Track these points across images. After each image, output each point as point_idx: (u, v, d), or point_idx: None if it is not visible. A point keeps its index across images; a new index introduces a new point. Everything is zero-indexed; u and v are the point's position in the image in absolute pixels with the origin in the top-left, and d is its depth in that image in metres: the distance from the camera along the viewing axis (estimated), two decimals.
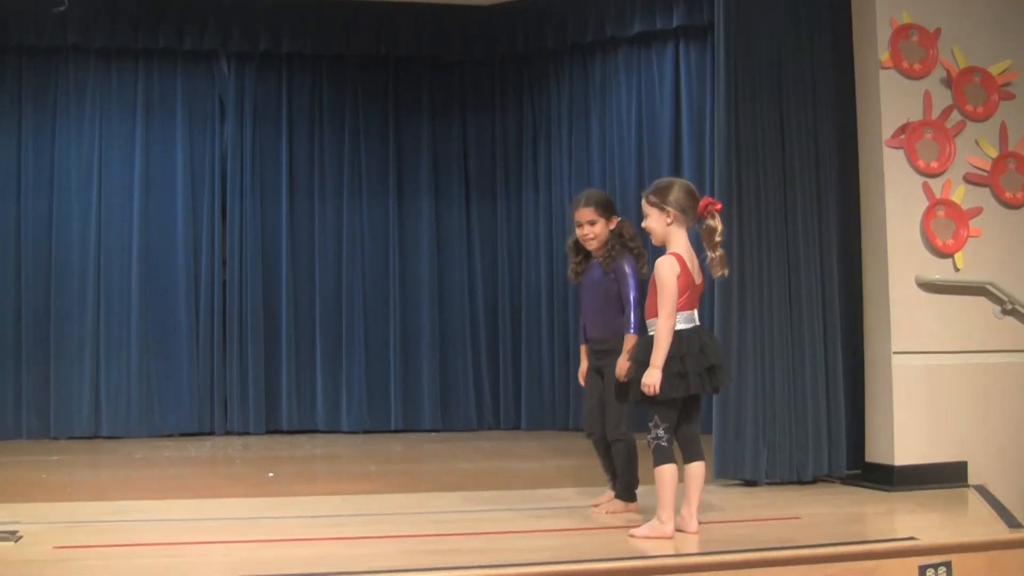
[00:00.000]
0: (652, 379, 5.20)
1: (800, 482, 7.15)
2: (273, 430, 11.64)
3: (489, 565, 4.46)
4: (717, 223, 5.37)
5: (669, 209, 5.40)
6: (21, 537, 5.17)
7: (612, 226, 6.21)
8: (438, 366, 12.06)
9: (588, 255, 6.31)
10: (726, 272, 5.48)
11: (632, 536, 5.25)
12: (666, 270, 5.30)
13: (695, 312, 5.41)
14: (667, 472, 5.30)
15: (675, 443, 5.40)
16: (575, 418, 11.39)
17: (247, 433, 11.39)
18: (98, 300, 11.48)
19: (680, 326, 5.30)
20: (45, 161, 11.55)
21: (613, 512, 6.06)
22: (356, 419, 11.85)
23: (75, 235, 11.54)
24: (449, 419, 12.05)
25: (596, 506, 6.21)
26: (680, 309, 5.30)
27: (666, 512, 5.28)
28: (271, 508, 6.58)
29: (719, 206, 5.43)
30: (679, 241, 5.43)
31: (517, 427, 12.00)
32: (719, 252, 5.39)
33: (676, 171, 11.10)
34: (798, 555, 4.80)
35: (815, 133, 7.47)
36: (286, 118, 12.03)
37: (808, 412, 7.23)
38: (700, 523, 5.42)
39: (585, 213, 6.19)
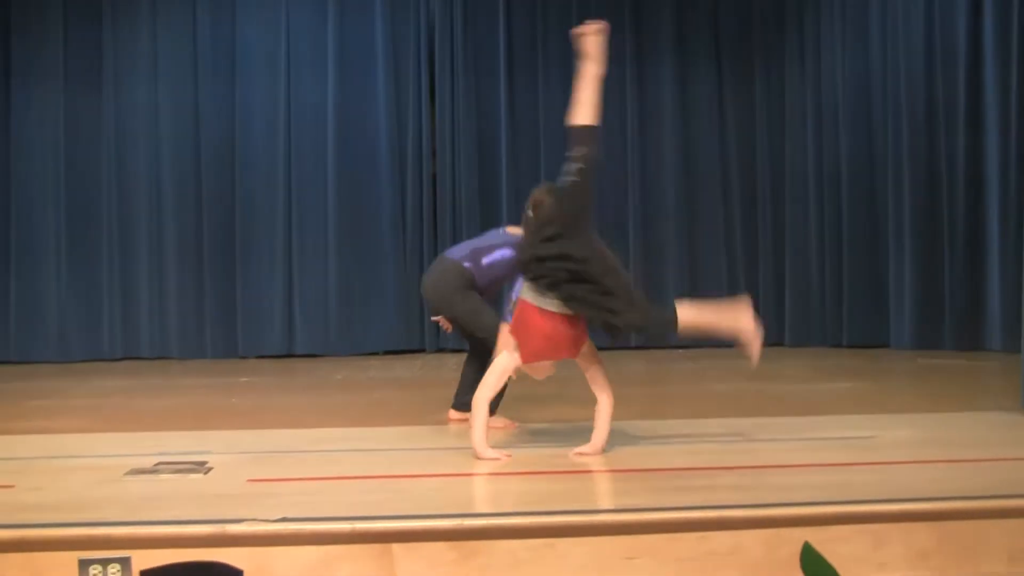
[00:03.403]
0: None
1: None
2: None
3: (749, 505, 4.38)
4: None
5: None
6: (211, 469, 5.30)
7: None
8: (687, 272, 11.99)
9: None
10: None
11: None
12: None
13: None
14: None
15: None
16: (850, 333, 11.19)
17: (462, 351, 11.48)
18: (289, 201, 11.71)
19: None
20: (224, 42, 11.77)
21: None
22: (593, 334, 11.83)
23: (260, 126, 11.77)
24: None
25: None
26: None
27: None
28: (491, 437, 6.61)
29: None
30: None
31: (780, 343, 11.85)
32: None
33: (975, 41, 10.65)
34: None
35: None
36: None
37: None
38: None
39: None
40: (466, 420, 6.81)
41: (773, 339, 11.93)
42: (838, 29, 11.71)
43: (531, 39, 12.07)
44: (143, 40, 11.87)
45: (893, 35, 11.25)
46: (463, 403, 6.88)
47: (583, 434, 6.36)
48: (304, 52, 11.88)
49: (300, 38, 11.90)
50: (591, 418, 6.69)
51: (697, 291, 12.05)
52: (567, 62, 12.08)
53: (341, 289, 11.63)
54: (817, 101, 11.80)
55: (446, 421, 6.88)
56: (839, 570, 2.83)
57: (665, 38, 12.07)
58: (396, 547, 4.12)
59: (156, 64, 11.85)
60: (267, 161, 11.82)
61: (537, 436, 6.50)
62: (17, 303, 11.77)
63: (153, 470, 5.25)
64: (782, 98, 12.11)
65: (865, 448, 5.81)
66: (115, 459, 5.61)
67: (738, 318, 5.71)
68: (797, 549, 4.14)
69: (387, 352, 11.38)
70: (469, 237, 11.77)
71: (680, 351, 11.65)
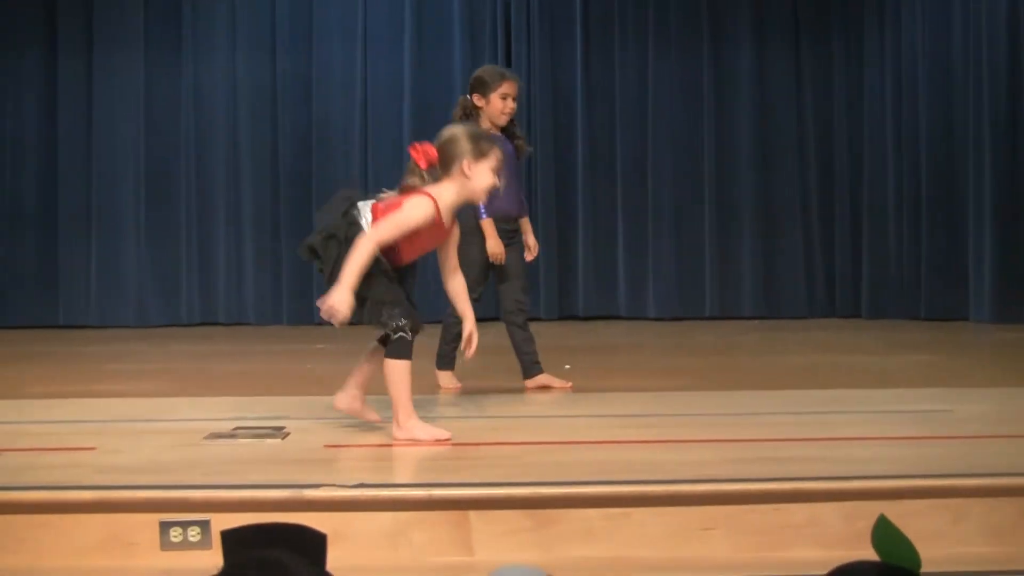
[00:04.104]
0: None
1: None
2: (567, 315, 11.77)
3: (826, 477, 4.36)
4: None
5: None
6: (288, 434, 5.33)
7: None
8: (761, 242, 11.93)
9: None
10: None
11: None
12: None
13: None
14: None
15: None
16: (928, 305, 11.11)
17: (536, 319, 11.48)
18: (365, 170, 11.77)
19: None
20: (302, 10, 11.81)
21: None
22: (664, 304, 11.85)
23: (337, 97, 11.82)
24: (774, 305, 11.94)
25: None
26: None
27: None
28: (566, 405, 6.62)
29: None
30: None
31: (856, 315, 11.79)
32: None
33: None
34: None
35: None
36: None
37: None
38: None
39: (517, 88, 6.94)
40: (541, 386, 6.96)
41: (850, 310, 11.90)
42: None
43: (607, 11, 12.02)
44: (222, 8, 11.93)
45: (975, 3, 11.11)
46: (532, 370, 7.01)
47: (659, 402, 6.36)
48: (381, 24, 11.90)
49: (377, 9, 11.91)
50: (662, 388, 6.71)
51: (773, 263, 12.01)
52: (643, 34, 12.08)
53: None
54: (896, 72, 11.68)
55: (520, 389, 6.89)
56: (917, 545, 2.80)
57: (742, 10, 11.99)
58: (472, 514, 4.13)
59: (234, 33, 11.90)
60: (343, 131, 11.87)
61: (607, 403, 6.49)
62: (98, 268, 11.89)
63: (231, 434, 5.29)
64: (860, 68, 12.00)
65: (943, 421, 5.76)
66: (194, 423, 5.66)
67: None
68: (874, 522, 4.15)
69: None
70: (544, 208, 11.81)
71: (755, 322, 11.61)
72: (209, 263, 11.95)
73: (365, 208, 5.25)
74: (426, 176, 5.26)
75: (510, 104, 6.86)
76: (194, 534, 4.01)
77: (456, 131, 5.41)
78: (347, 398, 5.48)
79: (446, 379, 7.04)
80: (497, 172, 5.33)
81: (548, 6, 11.87)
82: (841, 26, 12.01)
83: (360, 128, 11.76)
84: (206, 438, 5.23)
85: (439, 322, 6.63)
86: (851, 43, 12.00)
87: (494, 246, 6.84)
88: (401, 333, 5.19)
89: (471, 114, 6.86)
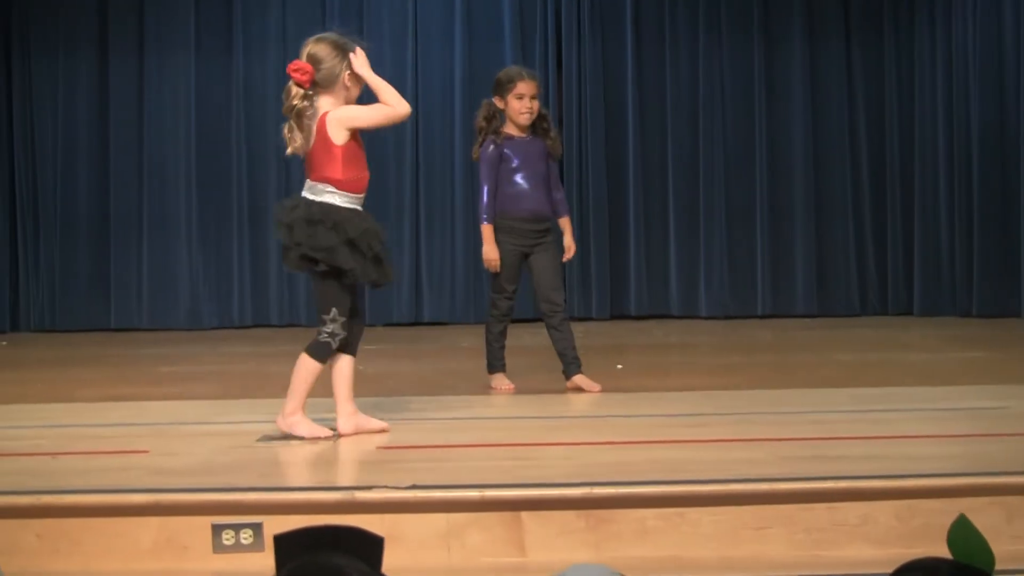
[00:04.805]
0: None
1: None
2: (619, 315, 11.75)
3: (880, 475, 4.34)
4: None
5: None
6: (341, 435, 5.35)
7: None
8: (814, 240, 11.87)
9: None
10: None
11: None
12: None
13: None
14: None
15: None
16: (980, 302, 11.03)
17: (588, 318, 11.51)
18: (416, 169, 11.77)
19: None
20: (352, 10, 11.84)
21: None
22: (716, 303, 11.81)
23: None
24: (826, 303, 11.88)
25: None
26: None
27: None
28: (618, 405, 6.61)
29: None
30: None
31: (908, 312, 11.71)
32: None
33: None
34: None
35: None
36: None
37: None
38: None
39: (534, 87, 6.87)
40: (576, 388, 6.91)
41: (902, 308, 11.83)
42: None
43: (658, 10, 11.99)
44: (273, 10, 11.96)
45: None
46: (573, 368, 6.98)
47: (712, 401, 6.35)
48: (432, 20, 11.91)
49: (428, 9, 11.93)
50: (715, 387, 6.71)
51: (825, 261, 11.96)
52: (694, 33, 12.05)
53: (468, 257, 11.64)
54: (947, 69, 11.60)
55: (570, 389, 6.87)
56: None
57: (794, 7, 11.93)
58: (525, 515, 4.13)
59: (285, 32, 11.93)
60: (395, 131, 11.81)
61: (660, 403, 6.48)
62: (149, 271, 11.95)
63: (284, 437, 5.31)
64: (912, 65, 11.92)
65: (997, 419, 5.72)
66: (247, 425, 5.69)
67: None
68: (929, 520, 4.12)
69: (514, 320, 11.40)
70: (596, 207, 11.79)
71: (807, 320, 11.57)
72: (261, 264, 11.99)
73: (312, 187, 5.46)
74: (309, 94, 5.57)
75: (527, 103, 6.82)
76: (246, 536, 4.03)
77: (316, 46, 5.64)
78: (347, 421, 5.46)
79: (498, 380, 7.02)
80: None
81: (599, 6, 11.85)
82: (892, 23, 11.94)
83: (411, 128, 11.76)
84: (259, 440, 5.26)
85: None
86: (902, 40, 11.93)
87: (488, 251, 6.84)
88: (330, 340, 5.36)
89: (495, 116, 6.90)
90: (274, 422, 5.35)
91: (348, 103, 5.49)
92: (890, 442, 5.16)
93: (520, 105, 6.81)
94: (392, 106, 5.42)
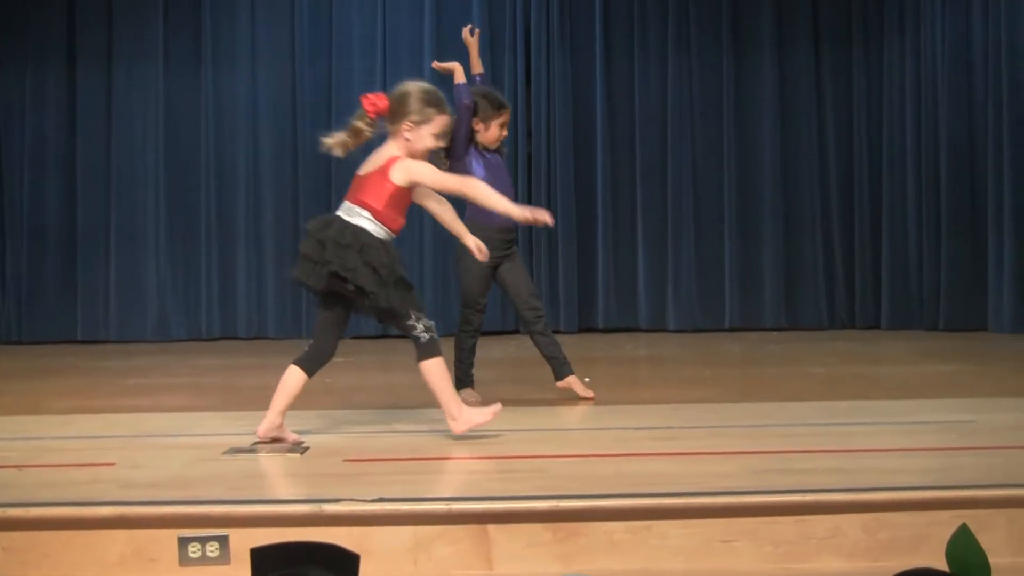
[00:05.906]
0: None
1: None
2: (587, 328, 11.74)
3: (848, 488, 4.34)
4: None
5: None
6: (308, 448, 5.33)
7: None
8: (782, 253, 11.90)
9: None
10: None
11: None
12: None
13: None
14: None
15: None
16: (948, 316, 11.07)
17: (557, 332, 11.48)
18: None
19: None
20: (321, 22, 11.84)
21: None
22: (685, 316, 11.83)
23: (357, 107, 11.70)
24: (794, 316, 11.91)
25: None
26: None
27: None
28: (587, 417, 6.61)
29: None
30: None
31: (876, 326, 11.75)
32: None
33: None
34: None
35: None
36: None
37: None
38: None
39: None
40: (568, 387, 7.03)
41: (870, 321, 11.86)
42: (939, 1, 11.53)
43: (627, 20, 12.01)
44: (242, 22, 11.94)
45: (995, 5, 11.05)
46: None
47: (681, 414, 6.35)
48: (401, 33, 11.91)
49: (396, 20, 11.92)
50: (684, 399, 6.70)
51: (794, 274, 11.98)
52: (663, 43, 12.07)
53: (437, 270, 11.63)
54: (916, 81, 11.63)
55: (541, 402, 6.87)
56: (941, 557, 2.79)
57: (762, 19, 11.97)
58: (492, 528, 4.12)
59: (254, 42, 11.92)
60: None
61: (628, 416, 6.47)
62: (117, 283, 11.90)
63: (251, 449, 5.29)
64: (880, 75, 11.96)
65: (966, 432, 5.73)
66: (214, 438, 5.67)
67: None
68: (896, 533, 4.13)
69: (484, 333, 11.39)
70: (564, 220, 11.79)
71: (776, 333, 11.59)
72: (229, 277, 11.96)
73: (350, 208, 5.63)
74: (372, 123, 5.78)
75: (504, 132, 7.06)
76: (212, 549, 4.01)
77: (410, 88, 5.66)
78: (268, 427, 5.48)
79: (467, 395, 6.97)
80: (440, 137, 5.65)
81: (568, 18, 11.87)
82: (861, 35, 11.98)
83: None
84: (226, 453, 5.24)
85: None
86: (871, 52, 11.97)
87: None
88: (428, 334, 5.47)
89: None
90: (274, 431, 5.46)
91: (410, 153, 5.65)
92: (859, 455, 5.17)
93: (500, 133, 7.03)
94: (470, 188, 5.73)
